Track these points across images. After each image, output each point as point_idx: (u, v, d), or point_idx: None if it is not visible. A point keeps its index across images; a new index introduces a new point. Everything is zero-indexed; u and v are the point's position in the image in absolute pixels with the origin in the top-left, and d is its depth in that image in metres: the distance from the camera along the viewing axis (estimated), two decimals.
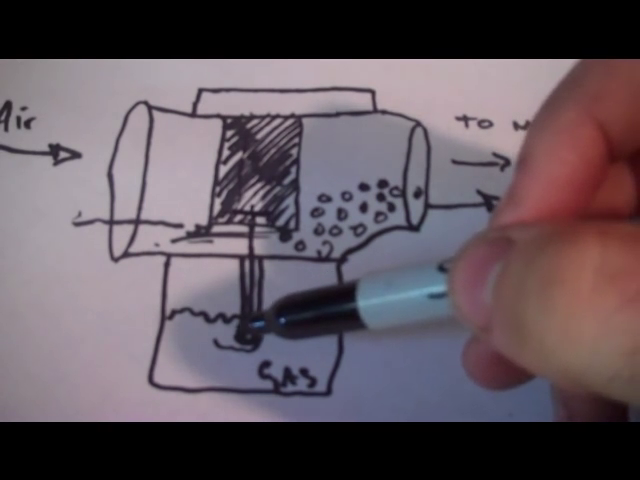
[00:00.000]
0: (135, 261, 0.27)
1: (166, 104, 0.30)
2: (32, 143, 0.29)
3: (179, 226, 0.27)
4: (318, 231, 0.27)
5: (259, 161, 0.28)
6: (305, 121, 0.29)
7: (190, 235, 0.27)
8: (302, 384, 0.24)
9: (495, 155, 0.28)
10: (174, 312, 0.26)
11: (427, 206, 0.27)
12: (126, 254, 0.27)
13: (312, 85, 0.30)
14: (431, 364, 0.24)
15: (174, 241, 0.27)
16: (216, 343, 0.25)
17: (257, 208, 0.27)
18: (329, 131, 0.29)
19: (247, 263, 0.26)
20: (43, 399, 0.24)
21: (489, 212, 0.27)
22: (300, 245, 0.27)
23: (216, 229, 0.27)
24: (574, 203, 0.15)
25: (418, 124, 0.29)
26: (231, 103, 0.29)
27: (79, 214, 0.27)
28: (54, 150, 0.29)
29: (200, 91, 0.30)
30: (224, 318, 0.26)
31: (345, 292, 0.19)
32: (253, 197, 0.28)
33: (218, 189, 0.28)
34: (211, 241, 0.27)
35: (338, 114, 0.29)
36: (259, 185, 0.28)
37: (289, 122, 0.29)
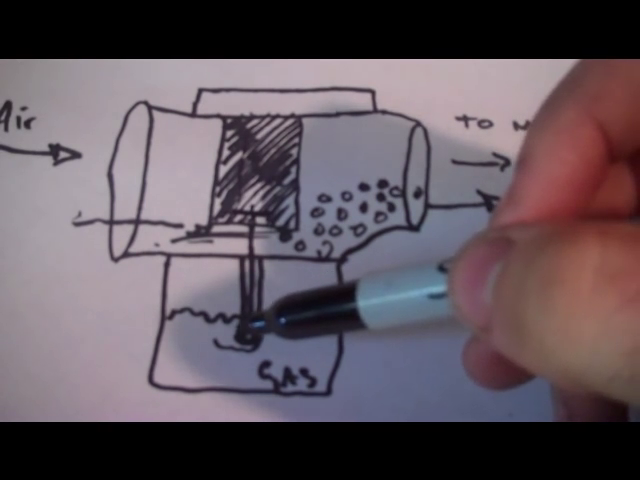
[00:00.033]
0: (135, 261, 0.27)
1: (166, 104, 0.30)
2: (32, 143, 0.29)
3: (179, 226, 0.27)
4: (318, 231, 0.27)
5: (259, 161, 0.28)
6: (305, 121, 0.29)
7: (190, 235, 0.27)
8: (302, 384, 0.24)
9: (495, 155, 0.28)
10: (174, 312, 0.26)
11: (427, 206, 0.27)
12: (126, 254, 0.27)
13: (312, 85, 0.30)
14: (431, 364, 0.24)
15: (174, 241, 0.27)
16: (216, 343, 0.25)
17: (257, 208, 0.27)
18: (329, 131, 0.29)
19: (247, 263, 0.26)
20: (43, 399, 0.24)
21: (489, 212, 0.27)
22: (300, 245, 0.27)
23: (216, 229, 0.27)
24: (574, 203, 0.15)
25: (418, 124, 0.29)
26: (231, 103, 0.29)
27: (79, 214, 0.27)
28: (54, 150, 0.29)
29: (200, 91, 0.30)
30: (224, 318, 0.26)
31: (345, 292, 0.19)
32: (253, 197, 0.28)
33: (218, 189, 0.28)
34: (211, 241, 0.27)
35: (338, 114, 0.29)
36: (259, 185, 0.28)
37: (289, 122, 0.29)
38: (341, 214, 0.27)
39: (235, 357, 0.25)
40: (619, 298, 0.11)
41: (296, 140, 0.28)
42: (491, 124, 0.28)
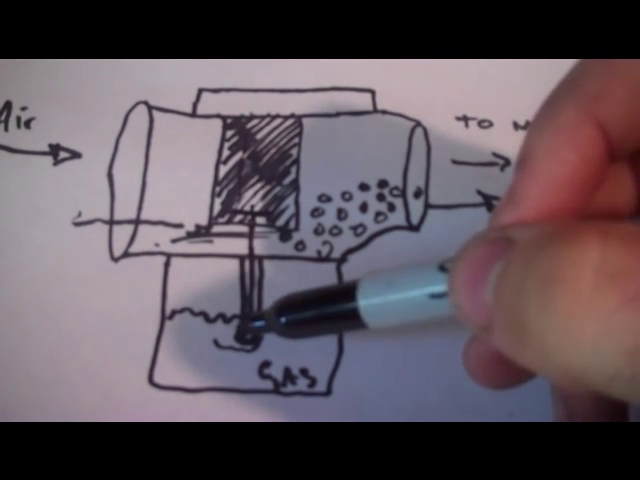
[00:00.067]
0: (135, 261, 0.27)
1: (166, 104, 0.30)
2: (32, 143, 0.29)
3: (179, 226, 0.27)
4: (318, 231, 0.27)
5: (259, 161, 0.28)
6: (305, 121, 0.29)
7: (190, 235, 0.27)
8: (302, 384, 0.24)
9: (495, 155, 0.28)
10: (174, 312, 0.26)
11: (427, 206, 0.27)
12: (126, 254, 0.27)
13: (312, 85, 0.30)
14: (431, 364, 0.24)
15: (174, 241, 0.27)
16: (216, 343, 0.25)
17: (257, 208, 0.27)
18: (329, 131, 0.29)
19: (247, 263, 0.26)
20: (43, 399, 0.24)
21: (489, 212, 0.27)
22: (300, 245, 0.27)
23: (216, 229, 0.27)
24: (574, 203, 0.15)
25: (418, 124, 0.29)
26: (231, 103, 0.29)
27: (79, 214, 0.27)
28: (54, 150, 0.29)
29: (200, 91, 0.30)
30: (224, 318, 0.26)
31: (346, 292, 0.19)
32: (253, 197, 0.28)
33: (218, 189, 0.28)
34: (211, 241, 0.27)
35: (338, 114, 0.29)
36: (259, 185, 0.28)
37: (289, 122, 0.29)
38: (341, 214, 0.27)
39: (235, 357, 0.25)
40: (619, 297, 0.11)
41: (296, 140, 0.28)
42: (491, 124, 0.28)
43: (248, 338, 0.25)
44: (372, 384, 0.24)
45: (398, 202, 0.27)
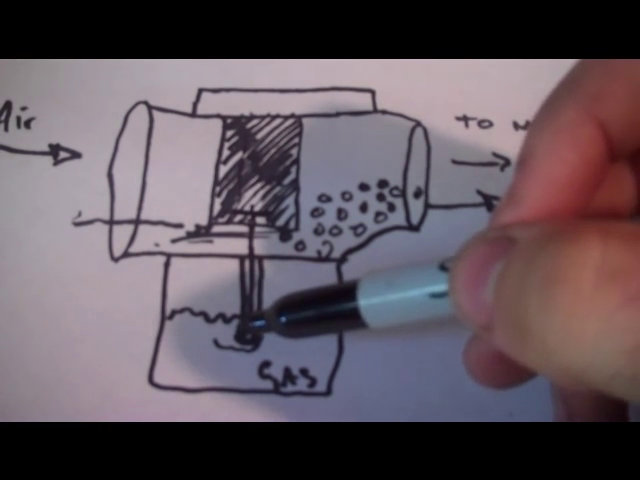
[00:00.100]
0: (135, 261, 0.27)
1: (166, 104, 0.30)
2: (32, 143, 0.29)
3: (179, 226, 0.27)
4: (318, 231, 0.27)
5: (259, 161, 0.28)
6: (305, 121, 0.29)
7: (190, 235, 0.27)
8: (302, 384, 0.24)
9: (495, 155, 0.28)
10: (174, 312, 0.26)
11: (427, 206, 0.27)
12: (126, 254, 0.27)
13: (312, 85, 0.30)
14: (432, 363, 0.24)
15: (174, 241, 0.27)
16: (216, 343, 0.25)
17: (257, 208, 0.27)
18: (329, 131, 0.29)
19: (247, 263, 0.26)
20: (43, 399, 0.24)
21: (489, 212, 0.27)
22: (300, 245, 0.27)
23: (216, 229, 0.27)
24: (574, 203, 0.15)
25: (418, 124, 0.29)
26: (231, 103, 0.29)
27: (79, 214, 0.27)
28: (54, 150, 0.29)
29: (200, 91, 0.30)
30: (224, 318, 0.26)
31: (346, 291, 0.19)
32: (253, 197, 0.28)
33: (218, 189, 0.28)
34: (211, 241, 0.27)
35: (338, 114, 0.29)
36: (259, 185, 0.28)
37: (289, 122, 0.29)
38: (341, 214, 0.27)
39: (235, 357, 0.25)
40: (620, 296, 0.11)
41: (296, 140, 0.28)
42: (491, 124, 0.28)
43: (248, 338, 0.25)
44: (372, 384, 0.24)
45: (398, 202, 0.27)
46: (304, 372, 0.25)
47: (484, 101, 0.29)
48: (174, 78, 0.30)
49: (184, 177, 0.28)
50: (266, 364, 0.25)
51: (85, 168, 0.28)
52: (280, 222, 0.27)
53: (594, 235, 0.12)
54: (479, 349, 0.18)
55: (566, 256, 0.12)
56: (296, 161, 0.28)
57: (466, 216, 0.27)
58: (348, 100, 0.29)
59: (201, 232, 0.27)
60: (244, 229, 0.27)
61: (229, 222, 0.27)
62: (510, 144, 0.27)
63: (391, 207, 0.27)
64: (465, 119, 0.29)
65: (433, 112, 0.29)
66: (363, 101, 0.29)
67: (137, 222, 0.27)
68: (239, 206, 0.27)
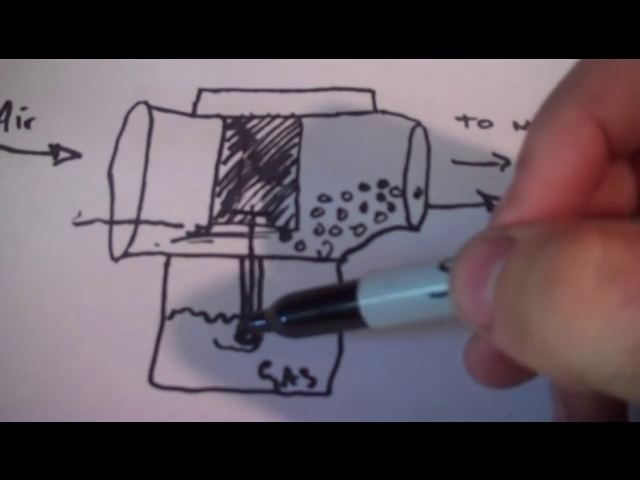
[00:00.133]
0: (135, 261, 0.27)
1: (166, 104, 0.30)
2: (32, 143, 0.29)
3: (179, 226, 0.27)
4: (318, 231, 0.27)
5: (259, 161, 0.28)
6: (305, 121, 0.29)
7: (190, 235, 0.27)
8: (302, 384, 0.24)
9: (495, 155, 0.28)
10: (174, 312, 0.26)
11: (427, 206, 0.27)
12: (126, 254, 0.27)
13: (312, 85, 0.30)
14: (432, 363, 0.24)
15: (174, 241, 0.27)
16: (216, 343, 0.25)
17: (257, 208, 0.27)
18: (329, 131, 0.29)
19: (247, 263, 0.26)
20: (43, 399, 0.24)
21: (489, 212, 0.27)
22: (300, 245, 0.27)
23: (216, 229, 0.27)
24: (574, 202, 0.15)
25: (418, 124, 0.29)
26: (231, 103, 0.29)
27: (79, 214, 0.27)
28: (54, 150, 0.29)
29: (200, 91, 0.30)
30: (224, 318, 0.26)
31: (346, 291, 0.19)
32: (253, 197, 0.28)
33: (218, 189, 0.28)
34: (211, 241, 0.27)
35: (338, 114, 0.29)
36: (259, 185, 0.28)
37: (289, 122, 0.29)
38: (341, 214, 0.27)
39: (235, 357, 0.25)
40: (621, 296, 0.11)
41: (296, 140, 0.28)
42: (491, 124, 0.28)
43: (248, 338, 0.25)
44: (372, 384, 0.24)
45: (398, 202, 0.27)
46: (304, 372, 0.25)
47: (484, 101, 0.29)
48: (174, 78, 0.30)
49: (184, 177, 0.28)
50: (266, 364, 0.25)
51: (85, 168, 0.28)
52: (280, 222, 0.27)
53: (594, 235, 0.12)
54: (479, 349, 0.18)
55: (566, 256, 0.12)
56: (296, 161, 0.28)
57: (466, 216, 0.27)
58: (348, 100, 0.29)
59: (201, 232, 0.27)
60: (244, 229, 0.27)
61: (229, 222, 0.27)
62: (510, 144, 0.27)
63: (391, 207, 0.27)
64: (465, 119, 0.29)
65: (433, 112, 0.29)
66: (363, 101, 0.29)
67: (137, 222, 0.27)
68: (239, 206, 0.27)
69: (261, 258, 0.26)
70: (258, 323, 0.23)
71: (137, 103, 0.30)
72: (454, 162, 0.28)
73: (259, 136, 0.29)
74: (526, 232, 0.14)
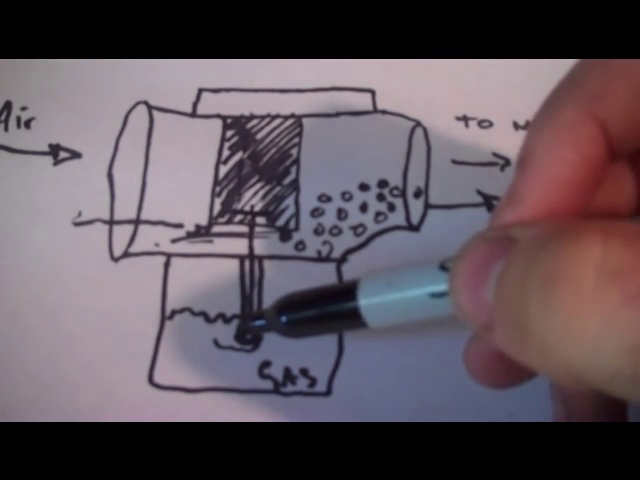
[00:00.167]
0: (135, 261, 0.27)
1: (166, 104, 0.30)
2: (32, 143, 0.29)
3: (179, 226, 0.27)
4: (318, 231, 0.27)
5: (259, 161, 0.28)
6: (305, 121, 0.29)
7: (190, 235, 0.27)
8: (302, 384, 0.24)
9: (495, 155, 0.28)
10: (174, 312, 0.26)
11: (427, 206, 0.27)
12: (126, 254, 0.27)
13: (312, 85, 0.30)
14: (432, 363, 0.24)
15: (174, 241, 0.27)
16: (216, 343, 0.25)
17: (257, 208, 0.27)
18: (329, 131, 0.29)
19: (247, 263, 0.26)
20: (43, 399, 0.24)
21: (489, 212, 0.27)
22: (300, 245, 0.27)
23: (216, 229, 0.27)
24: (574, 202, 0.15)
25: (418, 124, 0.29)
26: (231, 103, 0.29)
27: (79, 214, 0.27)
28: (54, 150, 0.29)
29: (200, 91, 0.30)
30: (224, 318, 0.26)
31: (346, 291, 0.19)
32: (253, 197, 0.28)
33: (218, 189, 0.28)
34: (211, 241, 0.27)
35: (338, 114, 0.29)
36: (259, 185, 0.28)
37: (289, 122, 0.29)
38: (341, 214, 0.27)
39: (235, 357, 0.25)
40: (621, 296, 0.11)
41: (296, 140, 0.28)
42: (491, 124, 0.28)
43: (248, 338, 0.25)
44: (372, 384, 0.24)
45: (398, 202, 0.27)
46: (304, 372, 0.25)
47: (484, 101, 0.29)
48: (174, 78, 0.30)
49: (184, 177, 0.28)
50: (266, 364, 0.25)
51: (85, 168, 0.28)
52: (280, 222, 0.27)
53: (595, 234, 0.12)
54: (479, 349, 0.18)
55: (567, 255, 0.12)
56: (296, 161, 0.28)
57: (466, 216, 0.27)
58: (348, 100, 0.29)
59: (201, 232, 0.27)
60: (244, 229, 0.27)
61: (229, 222, 0.27)
62: (510, 144, 0.27)
63: (391, 207, 0.27)
64: (465, 119, 0.29)
65: (433, 112, 0.29)
66: (363, 101, 0.29)
67: (137, 222, 0.27)
68: (239, 206, 0.27)
69: (261, 258, 0.26)
70: (258, 323, 0.23)
71: (137, 103, 0.30)
72: (454, 162, 0.28)
73: (259, 136, 0.29)
74: (526, 232, 0.14)
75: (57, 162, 0.29)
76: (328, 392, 0.24)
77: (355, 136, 0.28)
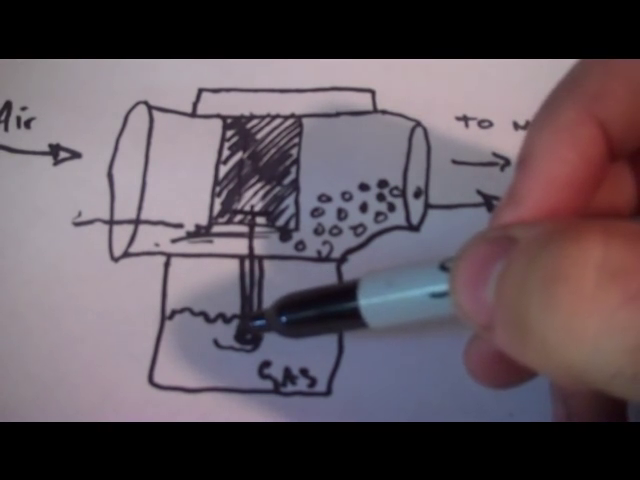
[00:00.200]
0: (135, 261, 0.27)
1: (166, 104, 0.30)
2: (32, 143, 0.29)
3: (179, 226, 0.27)
4: (318, 231, 0.27)
5: (259, 161, 0.28)
6: (305, 121, 0.29)
7: (190, 235, 0.27)
8: (302, 384, 0.24)
9: (495, 155, 0.28)
10: (174, 312, 0.26)
11: (427, 206, 0.27)
12: (126, 254, 0.27)
13: (312, 85, 0.30)
14: (432, 363, 0.24)
15: (174, 241, 0.27)
16: (216, 343, 0.25)
17: (257, 208, 0.27)
18: (329, 131, 0.29)
19: (247, 263, 0.26)
20: (43, 399, 0.24)
21: (489, 212, 0.27)
22: (300, 245, 0.27)
23: (216, 229, 0.27)
24: (574, 202, 0.15)
25: (418, 124, 0.29)
26: (231, 103, 0.29)
27: (79, 214, 0.27)
28: (54, 150, 0.29)
29: (200, 91, 0.30)
30: (224, 318, 0.26)
31: (346, 291, 0.19)
32: (253, 197, 0.28)
33: (218, 189, 0.28)
34: (211, 241, 0.27)
35: (338, 114, 0.29)
36: (259, 185, 0.28)
37: (289, 122, 0.29)
38: (341, 214, 0.27)
39: (235, 357, 0.25)
40: (621, 296, 0.11)
41: (296, 140, 0.28)
42: (491, 124, 0.28)
43: (248, 338, 0.25)
44: (372, 384, 0.24)
45: (398, 202, 0.27)
46: (304, 372, 0.25)
47: (484, 101, 0.29)
48: (174, 78, 0.30)
49: (184, 177, 0.28)
50: (266, 364, 0.25)
51: (85, 168, 0.28)
52: (280, 222, 0.27)
53: (595, 234, 0.12)
54: (479, 349, 0.18)
55: (567, 255, 0.12)
56: (296, 161, 0.28)
57: (466, 216, 0.27)
58: (348, 100, 0.29)
59: (201, 232, 0.27)
60: (244, 229, 0.27)
61: (229, 222, 0.27)
62: (510, 144, 0.27)
63: (391, 207, 0.27)
64: (465, 119, 0.29)
65: (433, 112, 0.29)
66: (363, 101, 0.29)
67: (137, 222, 0.27)
68: (239, 206, 0.27)
69: (261, 258, 0.26)
70: (258, 323, 0.23)
71: (137, 103, 0.30)
72: (454, 162, 0.28)
73: (259, 136, 0.29)
74: (527, 232, 0.14)
75: (57, 162, 0.29)
76: (328, 392, 0.24)
77: (355, 136, 0.28)
